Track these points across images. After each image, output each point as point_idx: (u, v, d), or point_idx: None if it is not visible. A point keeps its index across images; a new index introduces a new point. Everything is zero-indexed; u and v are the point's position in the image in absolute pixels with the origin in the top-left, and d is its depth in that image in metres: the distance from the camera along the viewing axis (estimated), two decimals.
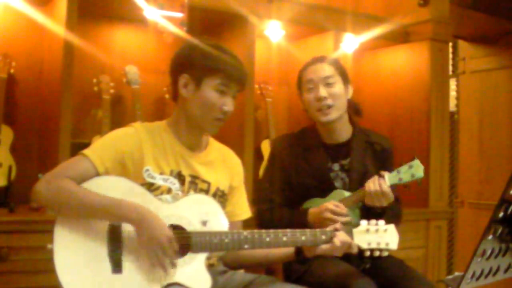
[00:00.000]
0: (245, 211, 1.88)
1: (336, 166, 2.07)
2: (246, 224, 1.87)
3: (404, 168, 1.94)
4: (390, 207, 1.95)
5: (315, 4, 3.18)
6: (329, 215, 1.88)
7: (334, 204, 1.91)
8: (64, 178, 1.54)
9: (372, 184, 1.90)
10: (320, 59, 2.08)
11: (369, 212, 1.91)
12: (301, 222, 1.93)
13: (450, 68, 4.30)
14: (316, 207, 1.97)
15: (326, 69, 2.04)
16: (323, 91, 2.00)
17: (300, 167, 2.05)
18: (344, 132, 2.09)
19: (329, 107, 2.00)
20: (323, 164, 2.05)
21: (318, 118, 2.03)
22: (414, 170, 1.93)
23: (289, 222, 1.93)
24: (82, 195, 1.52)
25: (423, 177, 1.94)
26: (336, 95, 2.02)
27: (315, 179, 2.03)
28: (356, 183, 2.03)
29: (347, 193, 2.02)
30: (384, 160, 2.12)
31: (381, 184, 1.89)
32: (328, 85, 2.02)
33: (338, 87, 2.03)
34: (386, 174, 1.92)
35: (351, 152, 2.07)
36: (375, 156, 2.10)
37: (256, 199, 2.14)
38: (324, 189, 2.03)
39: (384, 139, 2.16)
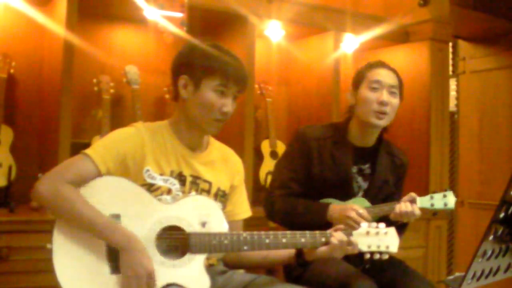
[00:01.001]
0: (245, 211, 1.87)
1: (354, 169, 2.07)
2: (246, 223, 1.86)
3: (438, 196, 1.97)
4: None
5: (315, 4, 3.18)
6: (353, 214, 1.88)
7: (361, 208, 1.92)
8: (65, 182, 1.52)
9: (409, 208, 1.91)
10: (391, 68, 2.12)
11: (389, 223, 1.91)
12: (319, 214, 1.94)
13: (450, 68, 4.30)
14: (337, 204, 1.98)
15: (394, 79, 2.08)
16: (386, 97, 2.03)
17: (324, 160, 2.04)
18: (374, 138, 2.11)
19: (385, 114, 2.03)
20: (347, 163, 2.05)
21: (369, 119, 2.02)
22: (447, 200, 1.97)
23: (305, 212, 1.96)
24: (79, 206, 1.49)
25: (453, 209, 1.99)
26: (393, 106, 2.05)
27: (336, 176, 2.03)
28: (375, 190, 2.05)
29: (367, 203, 2.03)
30: (400, 176, 2.15)
31: (414, 208, 1.91)
32: (391, 93, 2.05)
33: (397, 100, 2.07)
34: (418, 198, 1.95)
35: (376, 158, 2.08)
36: (394, 169, 2.12)
37: (271, 184, 2.13)
38: (342, 188, 2.03)
39: (404, 155, 2.18)
